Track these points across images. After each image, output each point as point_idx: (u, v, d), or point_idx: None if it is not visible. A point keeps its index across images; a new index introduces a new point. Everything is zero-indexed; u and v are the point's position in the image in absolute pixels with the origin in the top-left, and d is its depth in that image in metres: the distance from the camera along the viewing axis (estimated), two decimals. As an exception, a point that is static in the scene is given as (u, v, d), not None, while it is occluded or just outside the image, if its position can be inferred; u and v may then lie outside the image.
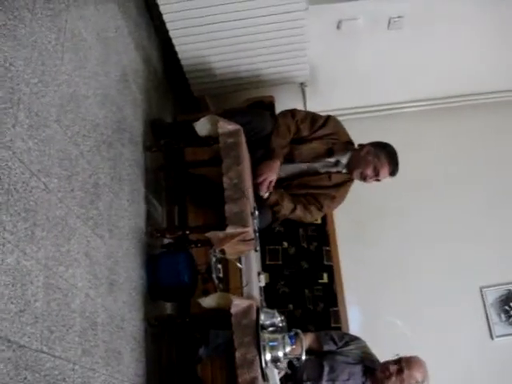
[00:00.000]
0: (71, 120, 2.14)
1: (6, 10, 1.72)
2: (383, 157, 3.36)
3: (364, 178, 3.40)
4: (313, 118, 3.44)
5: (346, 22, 3.69)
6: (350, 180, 3.50)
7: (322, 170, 3.44)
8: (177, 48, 3.67)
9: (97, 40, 2.58)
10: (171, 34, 3.55)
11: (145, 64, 3.46)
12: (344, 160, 3.43)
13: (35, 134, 1.81)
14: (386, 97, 4.61)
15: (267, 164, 3.20)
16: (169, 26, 3.49)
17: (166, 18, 3.43)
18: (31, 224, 1.72)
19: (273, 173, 3.19)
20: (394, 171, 3.40)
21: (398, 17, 3.68)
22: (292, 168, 3.38)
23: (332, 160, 3.44)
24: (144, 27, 3.57)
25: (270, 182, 3.18)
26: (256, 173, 3.18)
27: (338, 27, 3.73)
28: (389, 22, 3.71)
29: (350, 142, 3.52)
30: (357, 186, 3.56)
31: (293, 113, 3.41)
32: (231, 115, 3.15)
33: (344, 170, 3.46)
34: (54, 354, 1.78)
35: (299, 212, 3.40)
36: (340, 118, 3.60)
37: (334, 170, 3.45)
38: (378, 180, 3.41)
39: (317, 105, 3.99)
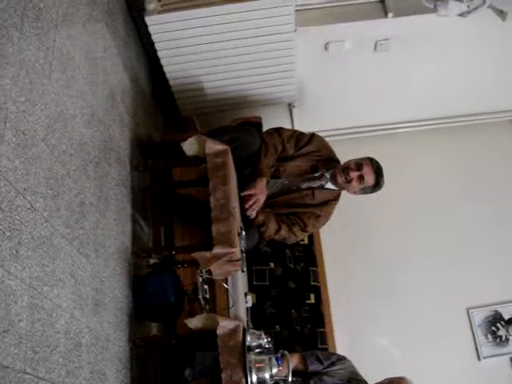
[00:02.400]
0: (58, 139, 2.14)
1: (-6, 29, 1.72)
2: (367, 161, 3.36)
3: (347, 173, 3.33)
4: (298, 136, 3.46)
5: (334, 44, 3.72)
6: (335, 198, 3.49)
7: (304, 186, 3.44)
8: (165, 68, 3.68)
9: (85, 59, 2.58)
10: (160, 54, 3.56)
11: (133, 84, 3.46)
12: (328, 174, 3.43)
13: (22, 152, 1.81)
14: (373, 118, 4.64)
15: (256, 184, 3.20)
16: (157, 46, 3.50)
17: (154, 38, 3.44)
18: (16, 243, 1.71)
19: (262, 193, 3.19)
20: (378, 181, 3.37)
21: (385, 39, 3.71)
22: (273, 183, 3.36)
23: (317, 174, 3.44)
24: (133, 47, 3.58)
25: (258, 201, 3.18)
26: (244, 193, 3.17)
27: (326, 49, 3.76)
28: (375, 45, 3.75)
29: (334, 159, 3.52)
30: (344, 205, 3.56)
31: (279, 132, 3.42)
32: (219, 134, 3.17)
33: (328, 184, 3.44)
34: (37, 375, 1.76)
35: (284, 233, 3.39)
36: (327, 139, 3.61)
37: (316, 184, 3.44)
38: (363, 178, 3.32)
39: (304, 125, 4.01)
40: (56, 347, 1.93)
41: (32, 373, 1.73)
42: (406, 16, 3.57)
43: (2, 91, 1.72)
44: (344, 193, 3.50)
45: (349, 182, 3.34)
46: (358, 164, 3.34)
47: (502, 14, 3.16)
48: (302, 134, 3.51)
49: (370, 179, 3.34)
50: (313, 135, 3.49)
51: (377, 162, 3.38)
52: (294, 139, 3.43)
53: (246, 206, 3.15)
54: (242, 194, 3.15)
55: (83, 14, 2.65)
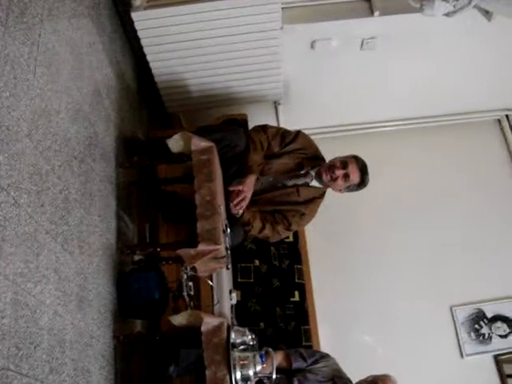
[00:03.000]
0: (42, 135, 2.12)
1: (-22, 23, 1.70)
2: (352, 160, 3.37)
3: (332, 171, 3.33)
4: (283, 133, 3.46)
5: (320, 42, 3.72)
6: (320, 196, 3.49)
7: (289, 183, 3.44)
8: (151, 64, 3.66)
9: (70, 54, 2.57)
10: (145, 50, 3.55)
11: (118, 80, 3.45)
12: (313, 171, 3.44)
13: (5, 148, 1.79)
14: (359, 116, 4.67)
15: (245, 180, 3.19)
16: (143, 42, 3.49)
17: (140, 34, 3.43)
18: (0, 239, 1.70)
19: (250, 190, 3.19)
20: (363, 179, 3.38)
21: (371, 38, 3.72)
22: (258, 181, 3.35)
23: (302, 172, 3.44)
24: (118, 43, 3.57)
25: (246, 198, 3.18)
26: (233, 187, 3.17)
27: (312, 47, 3.76)
28: (362, 43, 3.76)
29: (320, 157, 3.52)
30: (329, 203, 3.57)
31: (264, 129, 3.42)
32: (205, 131, 3.16)
33: (313, 182, 3.45)
34: (20, 372, 1.75)
35: (267, 232, 3.38)
36: (313, 137, 3.61)
37: (301, 181, 3.44)
38: (348, 177, 3.32)
39: (290, 123, 4.01)
40: (39, 344, 1.92)
41: (15, 370, 1.72)
42: (392, 15, 3.58)
43: (-14, 86, 1.71)
44: (329, 191, 3.51)
45: (334, 180, 3.35)
46: (344, 162, 3.35)
47: (487, 14, 3.17)
48: (287, 131, 3.51)
49: (355, 177, 3.35)
50: (298, 133, 3.49)
51: (362, 160, 3.39)
52: (279, 137, 3.43)
53: (234, 203, 3.15)
54: (231, 189, 3.15)
55: (69, 9, 2.63)
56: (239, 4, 3.33)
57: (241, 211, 3.21)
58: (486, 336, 4.26)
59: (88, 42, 2.91)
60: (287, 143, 3.43)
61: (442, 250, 4.38)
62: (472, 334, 4.26)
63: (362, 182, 3.40)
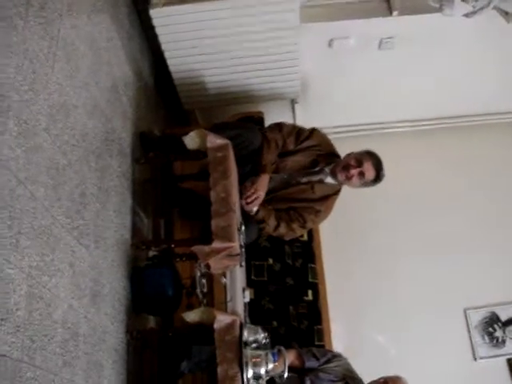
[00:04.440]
0: (60, 129, 2.14)
1: (-1, 17, 1.72)
2: (367, 157, 3.36)
3: (347, 171, 3.33)
4: (298, 131, 3.46)
5: (338, 41, 3.72)
6: (335, 193, 3.48)
7: (304, 180, 3.43)
8: (168, 61, 3.67)
9: (89, 50, 2.58)
10: (163, 47, 3.56)
11: (136, 76, 3.46)
12: (328, 168, 3.43)
13: (23, 142, 1.81)
14: (376, 116, 4.64)
15: (259, 180, 3.20)
16: (161, 39, 3.50)
17: (158, 31, 3.44)
18: (16, 232, 1.71)
19: (263, 189, 3.20)
20: (378, 175, 3.37)
21: (389, 37, 3.71)
22: (273, 178, 3.35)
23: (316, 169, 3.44)
24: (137, 39, 3.58)
25: (260, 197, 3.18)
26: (246, 188, 3.18)
27: (330, 45, 3.76)
28: (380, 42, 3.74)
29: (334, 154, 3.51)
30: (344, 202, 3.56)
31: (280, 127, 3.41)
32: (220, 129, 3.16)
33: (328, 179, 3.44)
34: (34, 364, 1.76)
35: (282, 230, 3.39)
36: (329, 136, 3.61)
37: (316, 178, 3.44)
38: (363, 175, 3.32)
39: (306, 122, 3.99)
40: (53, 337, 1.94)
41: (29, 362, 1.73)
42: (411, 15, 3.56)
43: (5, 80, 1.72)
44: (345, 190, 3.50)
45: (349, 178, 3.34)
46: (358, 160, 3.34)
47: (506, 15, 3.15)
48: (302, 128, 3.51)
49: (370, 174, 3.34)
50: (313, 130, 3.49)
51: (376, 156, 3.37)
52: (294, 134, 3.42)
53: (248, 201, 3.15)
54: (246, 193, 3.15)
55: (88, 5, 2.64)
56: (257, 2, 3.33)
57: (255, 209, 3.21)
58: (500, 339, 4.23)
59: (106, 38, 2.92)
60: (302, 140, 3.43)
61: (457, 252, 4.35)
62: (485, 337, 4.24)
63: (378, 178, 3.38)
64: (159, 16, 3.36)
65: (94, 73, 2.64)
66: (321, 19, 3.62)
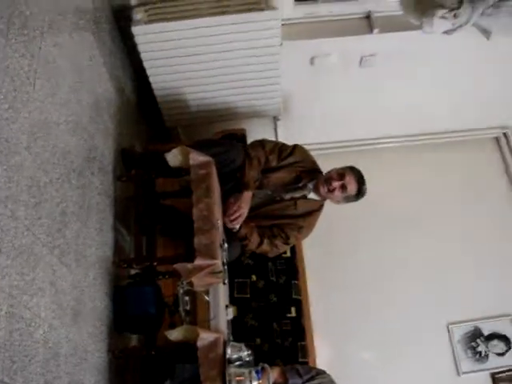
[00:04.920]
0: (41, 147, 2.13)
1: (-21, 35, 1.71)
2: (349, 171, 3.37)
3: (329, 184, 3.33)
4: (281, 147, 3.46)
5: (319, 59, 3.74)
6: (318, 209, 3.48)
7: (287, 196, 3.43)
8: (151, 78, 3.67)
9: (70, 68, 2.57)
10: (145, 64, 3.56)
11: (118, 93, 3.46)
12: (311, 184, 3.44)
13: (4, 160, 1.79)
14: (359, 133, 4.66)
15: (242, 197, 3.20)
16: (143, 56, 3.50)
17: (140, 48, 3.44)
18: (-4, 251, 1.69)
19: (247, 206, 3.19)
20: (361, 189, 3.37)
21: (370, 55, 3.74)
22: (256, 194, 3.34)
23: (299, 185, 3.44)
24: (118, 57, 3.58)
25: (243, 214, 3.18)
26: (228, 205, 3.17)
27: (311, 63, 3.78)
28: (361, 60, 3.78)
29: (317, 170, 3.52)
30: (327, 218, 3.56)
31: (262, 144, 3.42)
32: (203, 146, 3.16)
33: (311, 194, 3.45)
34: (14, 386, 1.74)
35: (265, 246, 3.38)
36: (311, 153, 3.62)
37: (299, 194, 3.44)
38: (345, 188, 3.32)
39: (288, 139, 3.99)
40: (34, 357, 1.91)
41: (9, 382, 1.71)
42: (392, 32, 3.60)
43: (-15, 98, 1.71)
44: (328, 204, 3.50)
45: (331, 191, 3.34)
46: (340, 174, 3.35)
47: (486, 32, 3.19)
48: (284, 145, 3.52)
49: (352, 188, 3.35)
50: (295, 146, 3.50)
51: (358, 171, 3.39)
52: (276, 151, 3.43)
53: (231, 218, 3.15)
54: (229, 210, 3.15)
55: (70, 23, 2.64)
56: (239, 20, 3.35)
57: (237, 226, 3.21)
58: (483, 354, 4.24)
59: (88, 56, 2.92)
60: (285, 157, 3.43)
61: (440, 267, 4.37)
62: (469, 352, 4.25)
63: (360, 193, 3.39)
64: (141, 33, 3.37)
65: (76, 90, 2.63)
66: (302, 37, 3.64)
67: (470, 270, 4.38)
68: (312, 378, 3.19)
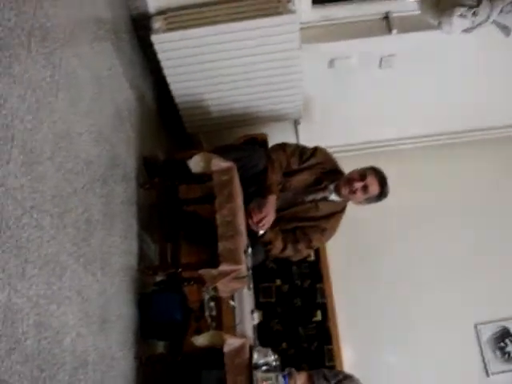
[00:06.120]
0: (64, 157, 2.14)
1: (2, 48, 1.73)
2: (371, 171, 3.35)
3: (351, 185, 3.31)
4: (301, 150, 3.46)
5: (339, 61, 3.73)
6: (341, 211, 3.46)
7: (308, 199, 3.42)
8: (171, 86, 3.69)
9: (91, 78, 2.59)
10: (165, 72, 3.58)
11: (139, 101, 3.48)
12: (332, 186, 3.42)
13: (28, 170, 1.81)
14: (378, 134, 4.64)
15: (267, 202, 3.19)
16: (163, 64, 3.52)
17: (160, 56, 3.46)
18: (23, 261, 1.71)
19: (272, 211, 3.19)
20: (383, 190, 3.34)
21: (389, 55, 3.73)
22: (279, 197, 3.33)
23: (321, 186, 3.43)
24: (138, 65, 3.60)
25: (269, 220, 3.18)
26: (254, 211, 3.17)
27: (331, 65, 3.78)
28: (380, 61, 3.76)
29: (338, 171, 3.51)
30: (351, 220, 3.54)
31: (283, 147, 3.42)
32: (224, 151, 3.17)
33: (332, 196, 3.43)
34: (43, 394, 1.75)
35: (289, 252, 3.36)
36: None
37: (320, 196, 3.42)
38: (367, 189, 3.29)
39: (309, 142, 3.98)
40: (62, 365, 1.93)
41: (38, 391, 1.72)
42: (410, 32, 3.58)
43: (9, 110, 1.73)
44: (351, 205, 3.48)
45: (353, 192, 3.32)
46: (362, 174, 3.33)
47: (505, 29, 3.17)
48: (305, 147, 3.52)
49: (374, 189, 3.32)
50: (316, 148, 3.50)
51: (380, 171, 3.36)
52: (297, 154, 3.43)
53: (260, 225, 3.15)
54: (255, 217, 3.15)
55: (90, 33, 2.67)
56: (258, 25, 3.35)
57: (262, 231, 3.20)
58: (512, 354, 4.20)
59: (108, 66, 2.94)
60: (306, 159, 3.43)
61: (466, 266, 4.32)
62: (497, 353, 4.19)
63: (382, 193, 3.36)
64: (161, 41, 3.38)
65: (97, 100, 2.65)
66: (321, 40, 3.64)
67: (496, 269, 4.32)
68: (339, 382, 3.16)
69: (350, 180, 3.34)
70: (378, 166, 3.40)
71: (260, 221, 3.16)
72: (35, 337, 1.74)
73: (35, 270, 1.79)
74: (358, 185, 3.30)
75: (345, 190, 3.34)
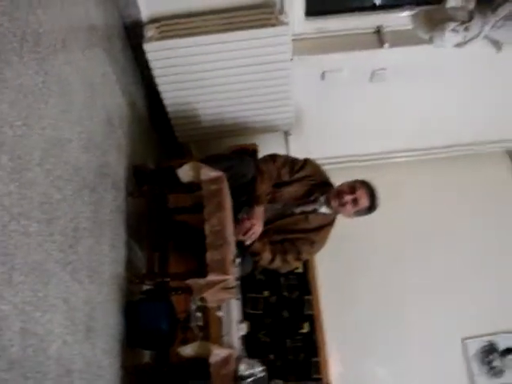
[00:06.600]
0: (54, 164, 2.13)
1: (-7, 53, 1.72)
2: (360, 184, 3.34)
3: (341, 197, 3.30)
4: (292, 162, 3.46)
5: (330, 73, 3.75)
6: (330, 223, 3.46)
7: (298, 211, 3.42)
8: (163, 95, 3.69)
9: (83, 85, 2.59)
10: (157, 80, 3.58)
11: (130, 109, 3.47)
12: (322, 198, 3.42)
13: (17, 177, 1.80)
14: (369, 147, 4.66)
15: (254, 213, 3.19)
16: (155, 72, 3.52)
17: (152, 64, 3.46)
18: (9, 268, 1.70)
19: (260, 221, 3.19)
20: (373, 202, 3.33)
21: (381, 69, 3.74)
22: (268, 209, 3.33)
23: (311, 198, 3.43)
24: (131, 73, 3.60)
25: (257, 231, 3.17)
26: (243, 222, 3.17)
27: (323, 78, 3.79)
28: (372, 74, 3.78)
29: (328, 183, 3.51)
30: (340, 233, 3.54)
31: (273, 158, 3.42)
32: (214, 161, 3.16)
33: (322, 208, 3.43)
34: (27, 403, 1.73)
35: (277, 263, 3.36)
36: (323, 168, 3.62)
37: (309, 208, 3.42)
38: (357, 202, 3.29)
39: (300, 153, 3.99)
40: (47, 373, 1.91)
41: (22, 400, 1.70)
42: (402, 46, 3.60)
43: (-1, 115, 1.73)
44: (340, 218, 3.49)
45: (343, 205, 3.32)
46: (352, 187, 3.33)
47: (496, 44, 3.19)
48: (295, 159, 3.51)
49: (364, 202, 3.31)
50: (306, 160, 3.50)
51: (370, 185, 3.36)
52: (288, 165, 3.43)
53: (245, 237, 3.15)
54: (243, 228, 3.15)
55: (82, 40, 2.66)
56: (250, 36, 3.36)
57: (250, 241, 3.20)
58: (498, 369, 4.20)
59: (100, 73, 2.94)
60: (296, 171, 3.43)
61: (454, 281, 4.34)
62: (484, 367, 4.20)
63: (372, 206, 3.35)
64: (153, 50, 3.38)
65: (88, 107, 2.65)
66: (313, 52, 3.65)
67: (483, 284, 4.34)
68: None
69: (339, 193, 3.34)
70: (367, 179, 3.40)
71: (247, 231, 3.16)
72: (20, 344, 1.73)
73: (22, 277, 1.77)
74: (348, 198, 3.30)
75: (335, 203, 3.34)
